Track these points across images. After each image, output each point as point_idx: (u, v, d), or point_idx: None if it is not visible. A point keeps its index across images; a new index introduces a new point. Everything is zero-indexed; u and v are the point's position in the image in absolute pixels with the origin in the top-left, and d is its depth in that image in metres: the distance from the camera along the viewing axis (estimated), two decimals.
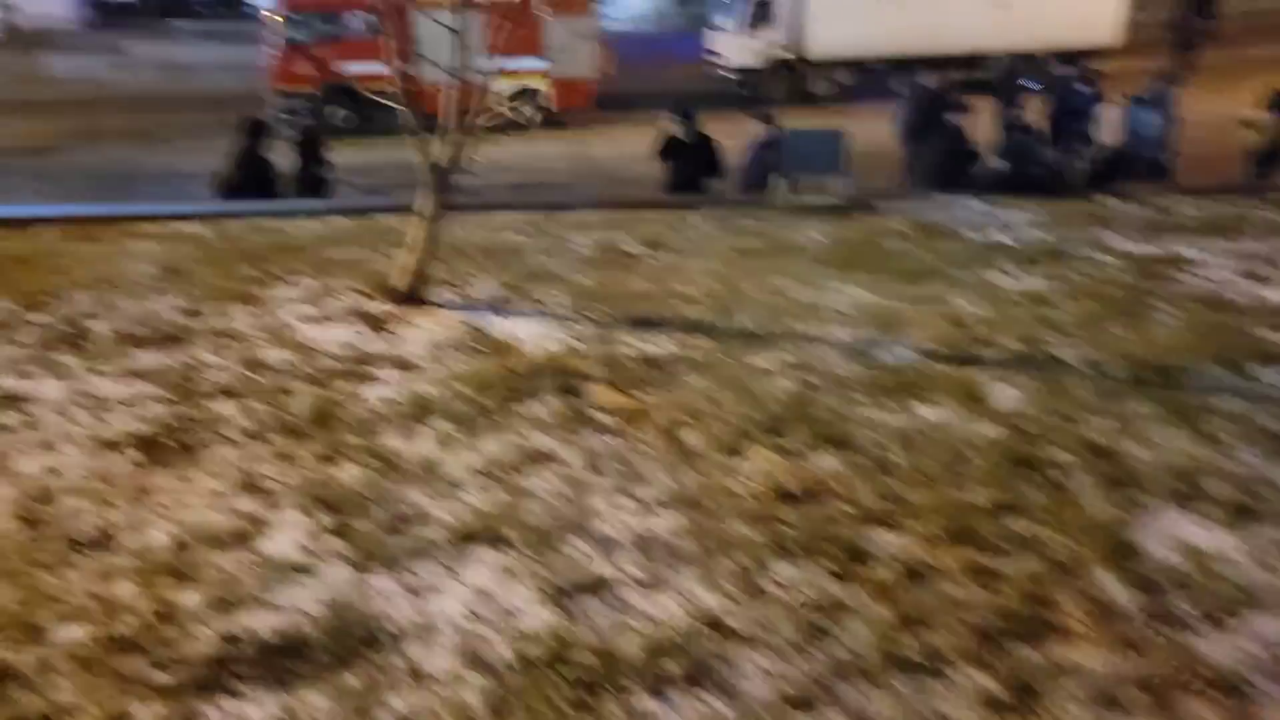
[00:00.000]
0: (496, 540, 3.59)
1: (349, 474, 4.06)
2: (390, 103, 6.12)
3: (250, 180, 8.79)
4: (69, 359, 5.14)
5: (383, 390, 4.88)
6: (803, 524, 3.71)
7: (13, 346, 5.24)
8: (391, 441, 4.35)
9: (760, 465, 4.16)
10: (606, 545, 3.58)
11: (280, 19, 19.96)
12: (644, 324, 5.81)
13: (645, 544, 3.59)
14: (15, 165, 16.10)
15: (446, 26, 5.83)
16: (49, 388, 4.79)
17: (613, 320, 5.89)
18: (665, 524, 3.72)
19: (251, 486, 3.96)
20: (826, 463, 4.19)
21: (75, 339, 5.38)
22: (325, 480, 4.01)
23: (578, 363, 5.23)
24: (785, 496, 3.91)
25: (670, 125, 9.77)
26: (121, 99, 23.15)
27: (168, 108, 22.07)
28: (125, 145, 17.99)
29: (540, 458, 4.21)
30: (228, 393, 4.80)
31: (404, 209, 8.18)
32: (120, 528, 3.66)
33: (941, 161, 9.81)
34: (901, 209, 8.76)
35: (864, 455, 4.25)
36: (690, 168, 9.47)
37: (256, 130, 9.03)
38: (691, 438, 4.40)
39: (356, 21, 19.41)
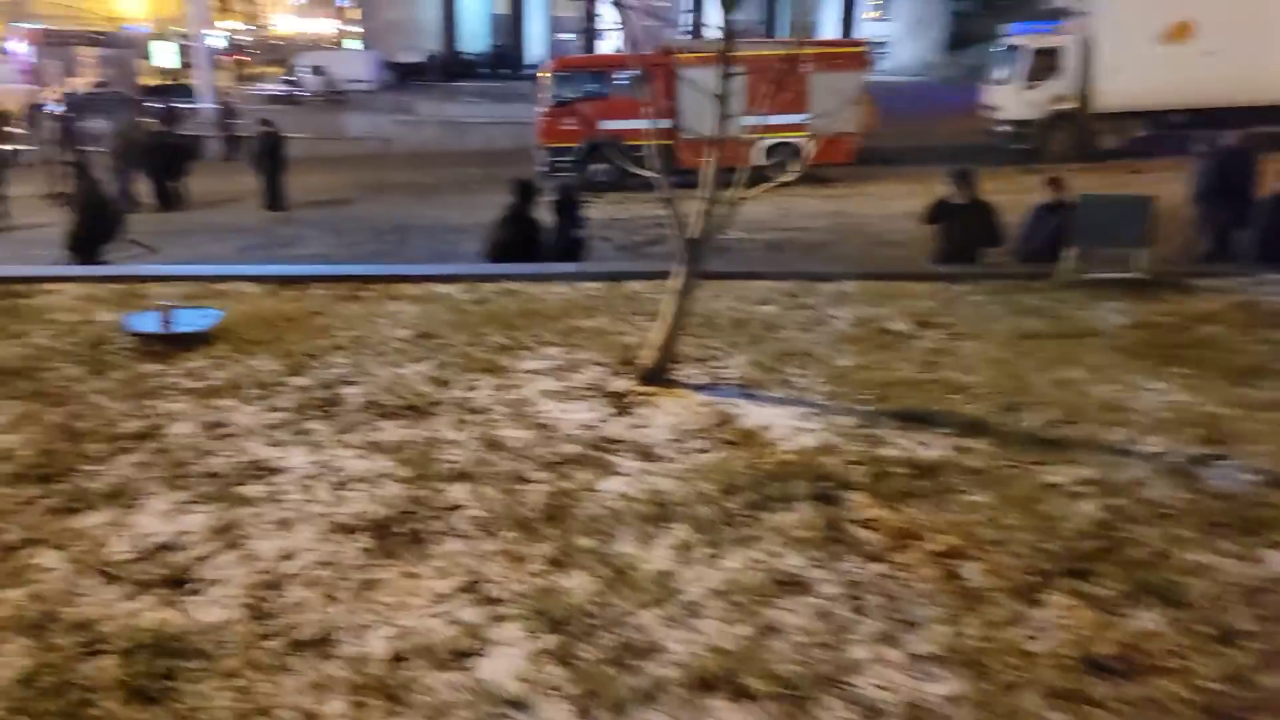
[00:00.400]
0: (737, 691, 3.07)
1: (578, 584, 3.68)
2: (643, 168, 5.84)
3: (518, 242, 8.80)
4: (319, 426, 5.12)
5: (621, 483, 4.50)
6: (1121, 708, 2.95)
7: (272, 412, 5.29)
8: (626, 547, 3.94)
9: (1062, 618, 3.41)
10: (869, 713, 2.98)
11: (549, 77, 20.70)
12: (912, 419, 5.14)
13: (917, 716, 2.96)
14: (310, 217, 17.47)
15: (708, 90, 5.47)
16: (297, 458, 4.75)
17: (876, 412, 5.27)
18: (942, 690, 3.06)
19: (477, 591, 3.65)
20: (1148, 622, 3.39)
21: (328, 406, 5.37)
22: (553, 590, 3.64)
23: (835, 463, 4.64)
24: (1096, 667, 3.15)
25: (944, 187, 8.97)
26: (404, 155, 24.83)
27: (444, 163, 23.45)
28: (404, 198, 19.14)
29: (791, 584, 3.66)
30: (464, 476, 4.57)
31: (653, 275, 7.95)
32: (341, 629, 3.44)
33: (1267, 232, 8.47)
34: (1221, 288, 7.56)
35: (1198, 616, 3.40)
36: (964, 235, 8.64)
37: (525, 191, 9.06)
38: (973, 573, 3.71)
39: (622, 79, 19.80)
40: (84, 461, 4.62)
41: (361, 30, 58.18)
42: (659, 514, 4.19)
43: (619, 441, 4.96)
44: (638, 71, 18.02)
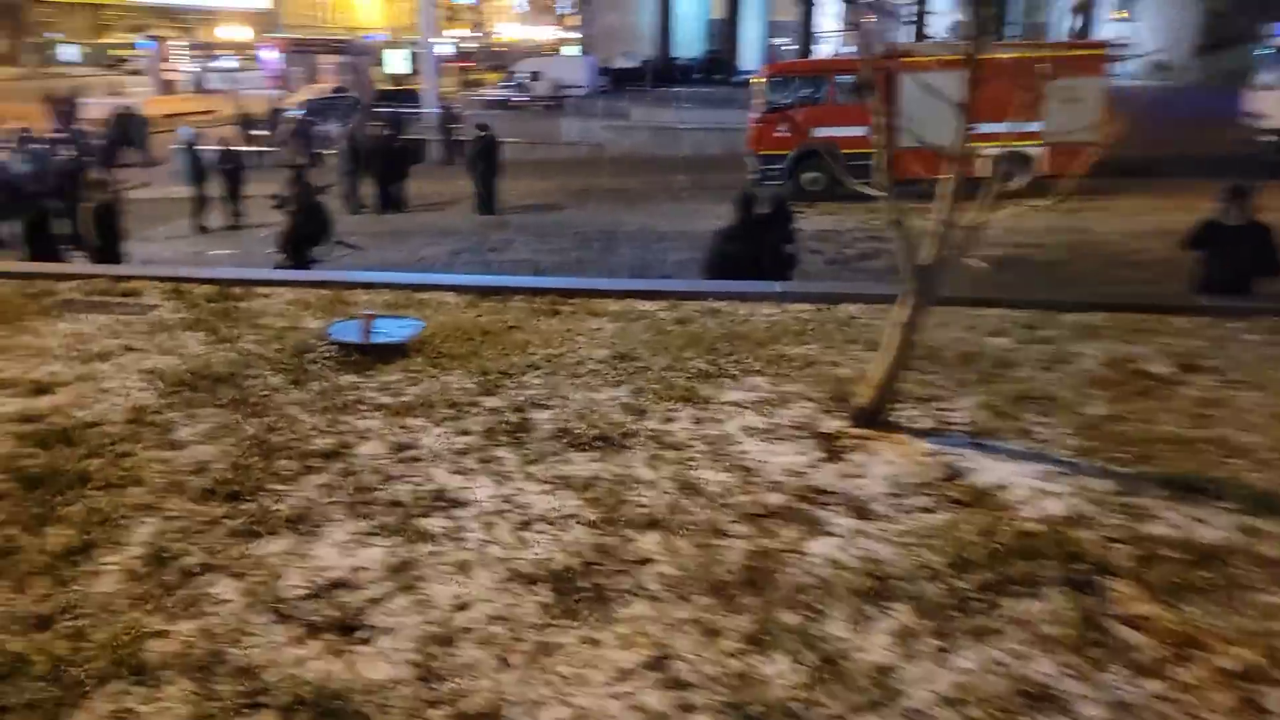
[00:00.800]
0: None
1: (779, 672, 3.17)
2: (860, 177, 5.25)
3: (743, 257, 8.28)
4: (508, 454, 4.82)
5: (831, 546, 3.95)
6: None
7: (461, 435, 5.04)
8: (837, 629, 3.40)
9: None
10: None
11: (763, 82, 20.18)
12: (1184, 487, 4.33)
13: None
14: (520, 221, 17.67)
15: (943, 96, 4.81)
16: (482, 489, 4.46)
17: (1137, 475, 4.48)
18: None
19: (664, 670, 3.21)
20: None
21: (518, 431, 5.08)
22: (749, 676, 3.15)
23: (1091, 539, 3.92)
24: None
25: (1213, 204, 7.83)
26: (615, 160, 24.92)
27: (653, 169, 23.33)
28: (612, 204, 19.09)
29: (1041, 698, 3.02)
30: (655, 523, 4.14)
31: (870, 298, 7.30)
32: (511, 701, 3.07)
33: None
34: None
35: None
36: (1238, 261, 7.48)
37: (750, 204, 8.55)
38: None
39: (837, 84, 19.05)
40: (272, 480, 4.50)
41: (580, 36, 59.50)
42: (876, 589, 3.62)
43: (829, 493, 4.41)
44: (858, 76, 17.24)
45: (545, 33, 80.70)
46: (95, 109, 29.50)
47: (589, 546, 3.96)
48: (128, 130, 26.16)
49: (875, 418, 5.08)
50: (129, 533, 4.03)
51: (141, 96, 36.13)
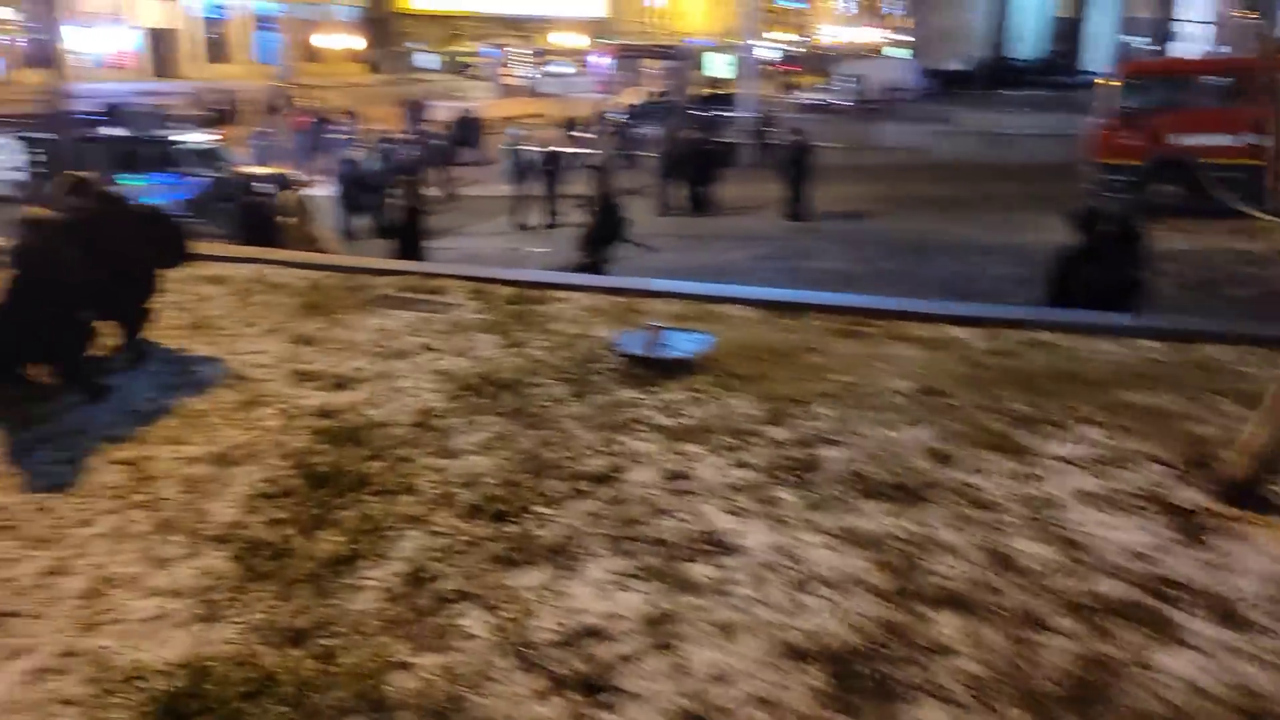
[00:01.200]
0: None
1: None
2: (1231, 191, 4.25)
3: (1082, 282, 7.25)
4: (789, 496, 4.31)
5: (1187, 661, 3.12)
6: None
7: (740, 469, 4.59)
8: None
9: None
10: None
11: (1115, 85, 18.21)
12: None
13: None
14: (830, 228, 17.05)
15: None
16: (756, 535, 3.99)
17: None
18: None
19: None
20: None
21: (803, 470, 4.55)
22: None
23: None
24: None
25: None
26: (937, 166, 23.61)
27: (979, 177, 21.84)
28: (930, 213, 17.97)
29: None
30: (957, 602, 3.49)
31: (1241, 338, 6.10)
32: None
33: None
34: None
35: None
36: None
37: (1094, 221, 7.48)
38: None
39: (1205, 87, 16.84)
40: (540, 501, 4.27)
41: (911, 38, 57.58)
42: None
43: (1186, 588, 3.54)
44: (1242, 79, 15.14)
45: (870, 35, 78.91)
46: (441, 112, 31.99)
47: (874, 621, 3.39)
48: (466, 132, 28.06)
49: (1250, 493, 4.09)
50: (394, 545, 3.92)
51: (482, 100, 38.89)
